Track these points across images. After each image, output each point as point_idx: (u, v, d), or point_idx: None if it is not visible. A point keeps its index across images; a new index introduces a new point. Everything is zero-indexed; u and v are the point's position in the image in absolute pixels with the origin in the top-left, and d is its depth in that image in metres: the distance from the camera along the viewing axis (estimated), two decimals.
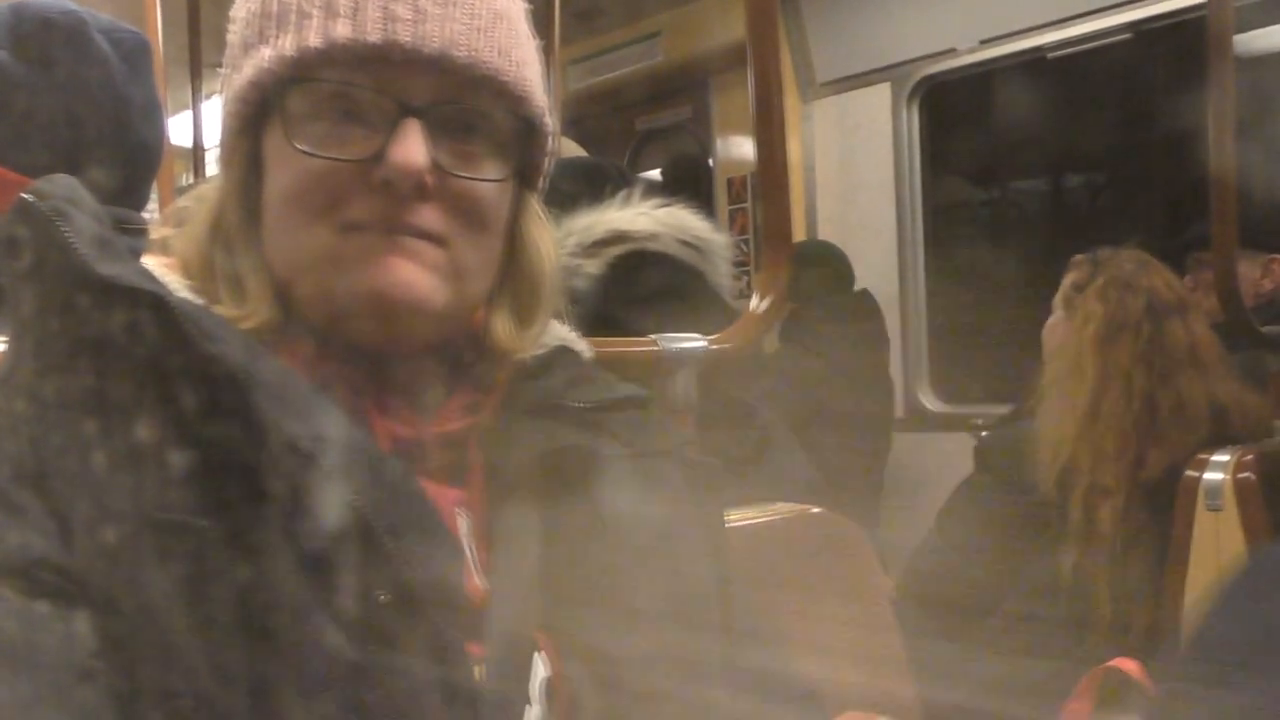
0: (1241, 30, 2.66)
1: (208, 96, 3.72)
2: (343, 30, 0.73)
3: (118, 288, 0.69)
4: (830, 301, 3.65)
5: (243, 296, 0.78)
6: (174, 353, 0.69)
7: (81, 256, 0.69)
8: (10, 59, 1.19)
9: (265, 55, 0.76)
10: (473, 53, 0.76)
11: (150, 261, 0.79)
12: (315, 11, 0.74)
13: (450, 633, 0.71)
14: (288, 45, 0.74)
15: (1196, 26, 2.55)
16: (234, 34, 0.80)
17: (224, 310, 0.76)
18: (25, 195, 0.72)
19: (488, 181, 0.79)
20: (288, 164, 0.76)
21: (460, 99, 0.77)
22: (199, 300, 0.77)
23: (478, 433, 0.84)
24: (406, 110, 0.74)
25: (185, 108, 3.64)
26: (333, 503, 0.68)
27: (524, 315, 0.87)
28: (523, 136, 0.82)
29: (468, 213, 0.78)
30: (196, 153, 3.76)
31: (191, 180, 3.93)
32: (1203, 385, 2.16)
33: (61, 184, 0.74)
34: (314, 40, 0.74)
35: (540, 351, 0.91)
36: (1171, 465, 2.08)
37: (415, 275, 0.75)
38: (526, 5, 0.83)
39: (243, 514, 0.67)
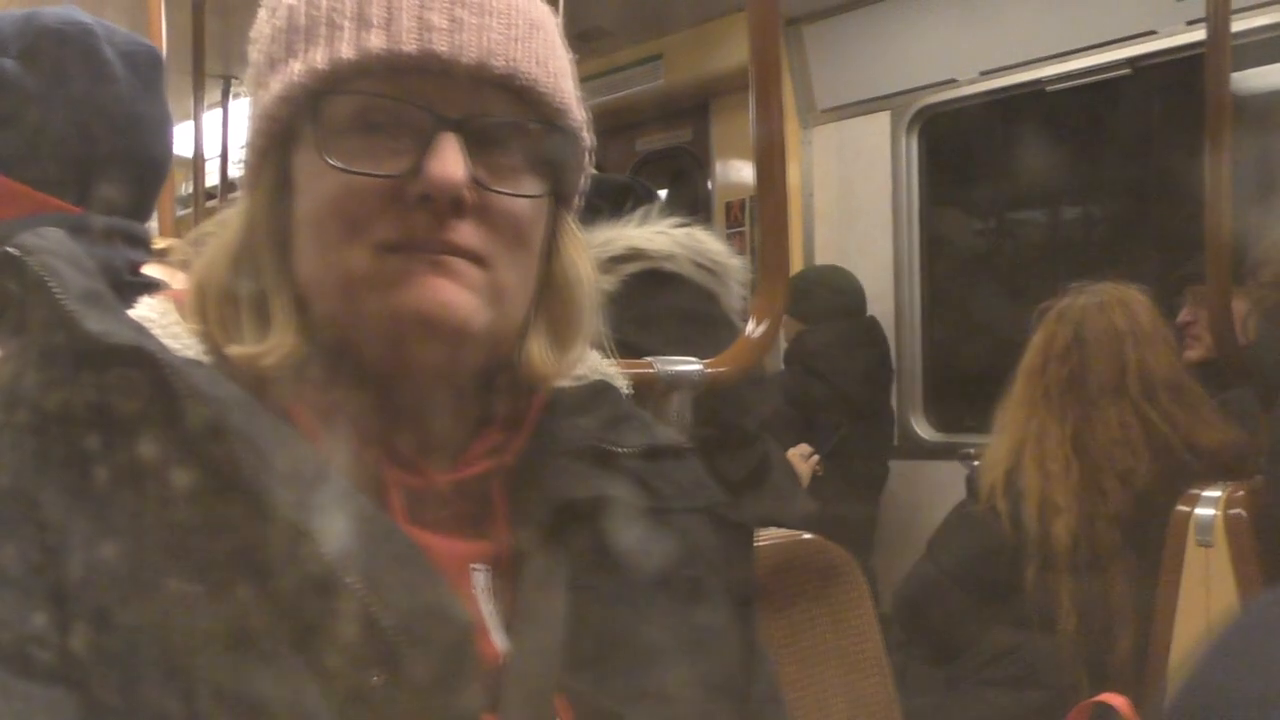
0: (1240, 69, 2.68)
1: (209, 107, 3.73)
2: (376, 40, 0.70)
3: (106, 345, 0.67)
4: (838, 325, 3.67)
5: (267, 324, 0.74)
6: (163, 412, 0.67)
7: (70, 314, 0.67)
8: (20, 70, 1.18)
9: (295, 70, 0.72)
10: (511, 62, 0.72)
11: (156, 302, 0.77)
12: (346, 23, 0.71)
13: (455, 709, 0.68)
14: (319, 58, 0.71)
15: (1195, 63, 2.57)
16: (258, 53, 0.77)
17: (243, 349, 0.73)
18: (11, 250, 0.70)
19: (527, 198, 0.75)
20: (320, 181, 0.72)
21: (498, 111, 0.73)
22: (201, 345, 0.74)
23: (501, 476, 0.80)
24: (443, 123, 0.71)
25: (187, 117, 3.65)
26: (323, 577, 0.65)
27: (562, 339, 0.82)
28: (561, 150, 0.78)
29: (506, 230, 0.74)
30: (197, 162, 3.77)
31: (191, 190, 3.94)
32: (1168, 410, 2.19)
33: (50, 238, 0.72)
34: (346, 52, 0.71)
35: (579, 385, 0.88)
36: (1144, 497, 2.10)
37: (458, 296, 0.71)
38: (558, 19, 0.80)
39: (233, 583, 0.65)
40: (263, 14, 0.77)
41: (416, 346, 0.73)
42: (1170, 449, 2.16)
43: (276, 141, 0.75)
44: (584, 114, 0.80)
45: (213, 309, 0.75)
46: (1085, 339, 2.26)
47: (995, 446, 2.31)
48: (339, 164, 0.71)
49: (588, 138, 0.81)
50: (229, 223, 0.79)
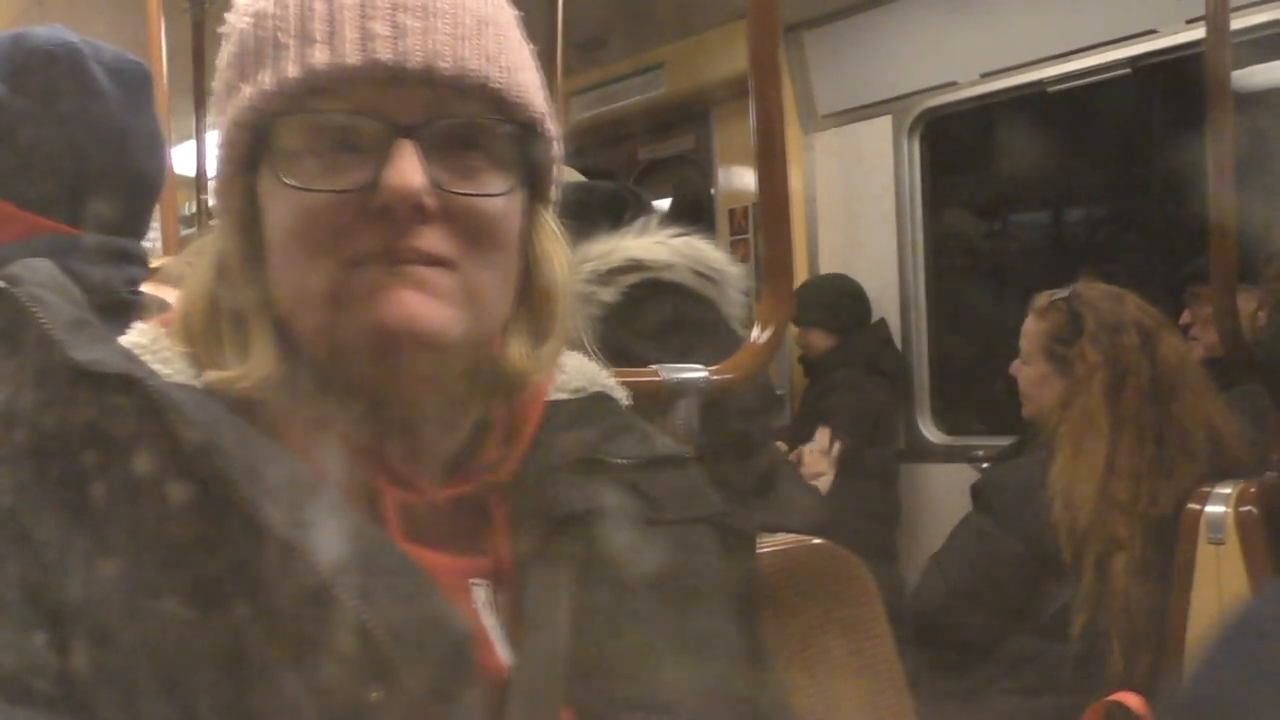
0: (1239, 67, 2.67)
1: (211, 125, 3.74)
2: (320, 56, 0.70)
3: (96, 374, 0.67)
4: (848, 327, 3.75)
5: (245, 345, 0.74)
6: (153, 438, 0.67)
7: (59, 343, 0.67)
8: (9, 93, 1.18)
9: (247, 94, 0.72)
10: (459, 62, 0.72)
11: (147, 328, 0.77)
12: (291, 42, 0.71)
13: None
14: (267, 80, 0.71)
15: (1196, 62, 2.56)
16: (219, 80, 0.77)
17: (221, 374, 0.73)
18: None
19: (492, 196, 0.74)
20: (282, 203, 0.72)
21: (452, 112, 0.73)
22: (191, 370, 0.74)
23: (499, 490, 0.80)
24: (396, 131, 0.70)
25: (189, 137, 3.66)
26: (319, 594, 0.65)
27: (539, 334, 0.81)
28: (524, 145, 0.77)
29: (474, 232, 0.73)
30: (199, 181, 3.78)
31: (194, 209, 3.95)
32: (1196, 403, 2.16)
33: (36, 268, 0.72)
34: (292, 70, 0.70)
35: (578, 397, 0.88)
36: (1179, 498, 2.07)
37: (425, 306, 0.71)
38: (517, 13, 0.79)
39: (229, 603, 0.65)
40: (223, 43, 0.78)
41: (394, 359, 0.72)
42: (1219, 436, 2.13)
43: (239, 166, 0.75)
44: (549, 105, 0.79)
45: (199, 333, 0.76)
46: (1147, 338, 2.17)
47: (1065, 490, 2.13)
48: (297, 184, 0.71)
49: (552, 128, 0.80)
50: (208, 248, 0.79)
